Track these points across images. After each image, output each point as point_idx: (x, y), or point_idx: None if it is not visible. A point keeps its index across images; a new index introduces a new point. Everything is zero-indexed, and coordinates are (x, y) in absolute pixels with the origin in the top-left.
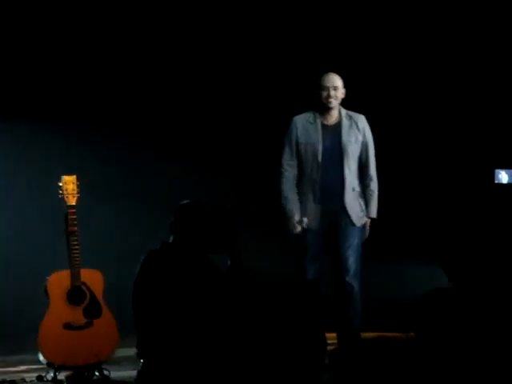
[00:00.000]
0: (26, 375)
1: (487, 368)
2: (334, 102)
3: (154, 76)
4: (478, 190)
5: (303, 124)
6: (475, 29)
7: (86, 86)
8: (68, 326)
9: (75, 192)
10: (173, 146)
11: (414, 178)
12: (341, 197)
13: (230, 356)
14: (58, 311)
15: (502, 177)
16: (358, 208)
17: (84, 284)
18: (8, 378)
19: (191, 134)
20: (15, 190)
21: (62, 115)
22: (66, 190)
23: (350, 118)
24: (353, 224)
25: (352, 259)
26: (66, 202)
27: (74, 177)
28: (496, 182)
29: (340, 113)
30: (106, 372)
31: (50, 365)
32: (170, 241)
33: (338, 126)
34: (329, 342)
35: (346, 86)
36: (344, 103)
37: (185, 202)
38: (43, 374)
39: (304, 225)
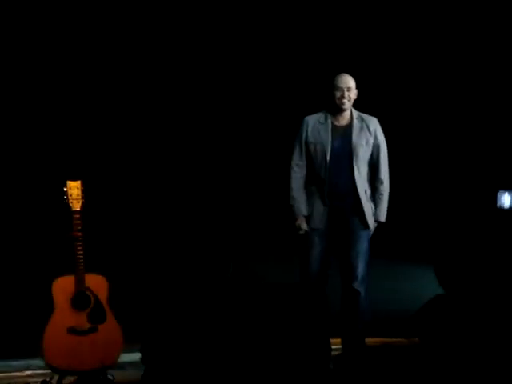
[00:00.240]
0: (31, 380)
1: (490, 372)
2: (347, 103)
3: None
4: (480, 211)
5: (314, 124)
6: (493, 45)
7: (89, 90)
8: (72, 331)
9: (80, 197)
10: (179, 149)
11: (418, 185)
12: (352, 197)
13: (233, 361)
14: (63, 316)
15: (505, 199)
16: (370, 210)
17: (88, 289)
18: (13, 382)
19: (200, 136)
20: (20, 194)
21: (69, 121)
22: (71, 195)
23: (362, 120)
24: (363, 226)
25: (361, 266)
26: (70, 207)
27: (79, 182)
28: (498, 203)
29: (352, 114)
30: (110, 376)
31: (54, 370)
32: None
33: (348, 128)
34: (333, 347)
35: (358, 87)
36: (356, 105)
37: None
38: (48, 379)
39: (309, 225)
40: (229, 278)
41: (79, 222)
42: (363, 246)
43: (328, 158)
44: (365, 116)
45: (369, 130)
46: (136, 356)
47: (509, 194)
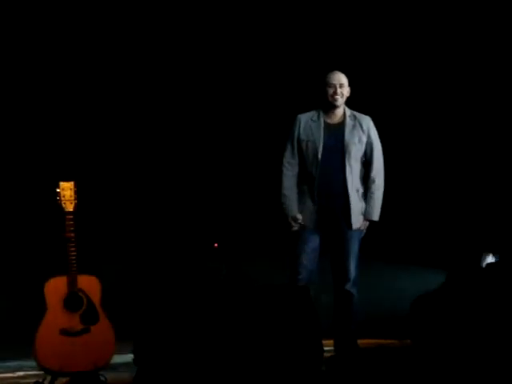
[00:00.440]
0: (23, 381)
1: (482, 372)
2: (340, 100)
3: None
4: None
5: (306, 121)
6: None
7: (84, 90)
8: (65, 333)
9: (73, 198)
10: (172, 149)
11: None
12: (342, 197)
13: (226, 362)
14: (55, 317)
15: (489, 261)
16: (360, 210)
17: (81, 290)
18: (5, 383)
19: (192, 136)
20: (13, 195)
21: (62, 122)
22: (64, 196)
23: (355, 118)
24: (351, 226)
25: (352, 267)
26: (63, 208)
27: (72, 183)
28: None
29: (344, 112)
30: (102, 378)
31: (46, 371)
32: None
33: (341, 126)
34: (326, 348)
35: (354, 87)
36: (350, 103)
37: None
38: (40, 381)
39: (300, 222)
40: (222, 280)
41: (72, 223)
42: (354, 247)
43: (320, 156)
44: (358, 114)
45: (362, 128)
46: (128, 357)
47: (492, 256)
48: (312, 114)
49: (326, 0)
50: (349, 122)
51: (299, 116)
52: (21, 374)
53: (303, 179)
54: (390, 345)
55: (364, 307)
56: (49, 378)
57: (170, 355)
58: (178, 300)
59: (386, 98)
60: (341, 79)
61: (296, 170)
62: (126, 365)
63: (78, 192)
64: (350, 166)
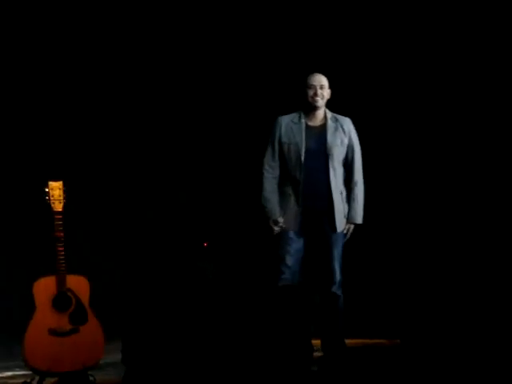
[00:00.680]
0: (11, 381)
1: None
2: (321, 101)
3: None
4: None
5: (287, 124)
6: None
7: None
8: (53, 333)
9: (61, 198)
10: (163, 150)
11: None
12: (326, 199)
13: (215, 362)
14: (44, 317)
15: None
16: (343, 212)
17: (70, 290)
18: None
19: (178, 138)
20: (1, 194)
21: (51, 120)
22: (53, 195)
23: (336, 120)
24: (336, 229)
25: (337, 269)
26: (52, 208)
27: (61, 182)
28: None
29: (326, 114)
30: (91, 378)
31: (35, 371)
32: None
33: (323, 128)
34: (315, 348)
35: (334, 89)
36: (331, 106)
37: None
38: (28, 381)
39: (281, 225)
40: (211, 279)
41: (61, 222)
42: (339, 250)
43: (303, 159)
44: (339, 116)
45: (343, 130)
46: (117, 357)
47: None
48: (293, 115)
49: (310, 3)
50: (330, 124)
51: (280, 118)
52: (9, 374)
53: (286, 182)
54: (378, 344)
55: (353, 306)
56: (37, 378)
57: (158, 355)
58: (166, 299)
59: (367, 101)
60: (321, 81)
61: (277, 172)
62: (114, 364)
63: (69, 191)
64: (333, 168)
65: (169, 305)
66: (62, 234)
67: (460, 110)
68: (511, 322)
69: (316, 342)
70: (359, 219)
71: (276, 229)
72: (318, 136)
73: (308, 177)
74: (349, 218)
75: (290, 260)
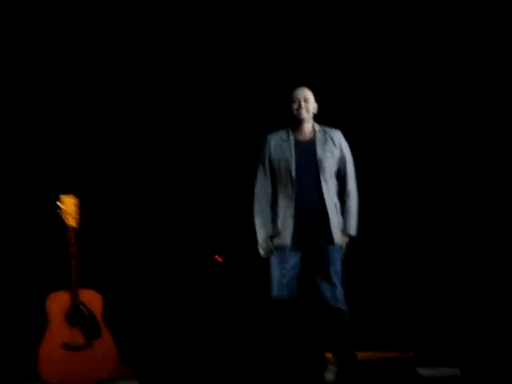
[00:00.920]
0: None
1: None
2: (305, 114)
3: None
4: None
5: (276, 141)
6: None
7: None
8: (67, 347)
9: (75, 213)
10: (175, 165)
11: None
12: (320, 212)
13: (228, 374)
14: (57, 332)
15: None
16: (338, 224)
17: (83, 304)
18: None
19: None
20: (15, 208)
21: (66, 134)
22: (65, 210)
23: (325, 132)
24: (332, 241)
25: (339, 283)
26: (65, 223)
27: (75, 198)
28: None
29: (314, 128)
30: None
31: None
32: None
33: (312, 142)
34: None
35: (322, 104)
36: (322, 119)
37: None
38: None
39: (271, 247)
40: (225, 292)
41: (74, 237)
42: (337, 264)
43: (294, 174)
44: (328, 129)
45: (333, 142)
46: (130, 371)
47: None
48: (281, 133)
49: (298, 17)
50: (320, 137)
51: (268, 136)
52: None
53: (279, 199)
54: (391, 357)
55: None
56: None
57: (171, 368)
58: (179, 313)
59: (359, 112)
60: (305, 94)
61: (269, 190)
62: (127, 377)
63: (83, 206)
64: (325, 181)
65: (180, 317)
66: (75, 249)
67: (452, 121)
68: None
69: (328, 356)
70: (353, 232)
71: (262, 253)
72: (308, 150)
73: (300, 192)
74: (343, 231)
75: (286, 277)
